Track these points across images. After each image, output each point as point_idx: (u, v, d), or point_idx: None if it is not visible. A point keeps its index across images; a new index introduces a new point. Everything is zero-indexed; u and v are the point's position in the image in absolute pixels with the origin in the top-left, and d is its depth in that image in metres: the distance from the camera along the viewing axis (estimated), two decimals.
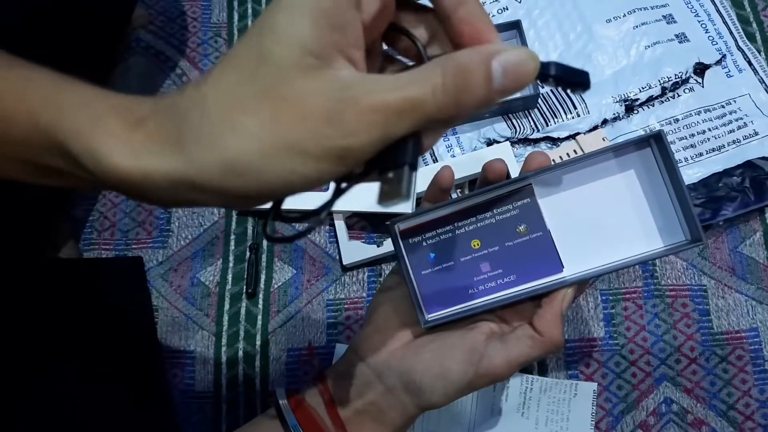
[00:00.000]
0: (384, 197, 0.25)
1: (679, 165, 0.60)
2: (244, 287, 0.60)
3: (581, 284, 0.39)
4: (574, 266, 0.38)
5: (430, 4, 0.27)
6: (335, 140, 0.22)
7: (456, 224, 0.39)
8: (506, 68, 0.23)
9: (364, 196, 0.61)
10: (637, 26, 0.65)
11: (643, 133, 0.62)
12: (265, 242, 0.62)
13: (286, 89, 0.22)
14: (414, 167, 0.25)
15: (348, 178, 0.26)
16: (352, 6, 0.23)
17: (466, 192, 0.61)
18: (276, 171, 0.22)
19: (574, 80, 0.27)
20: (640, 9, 0.66)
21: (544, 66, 0.25)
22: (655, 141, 0.37)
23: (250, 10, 0.71)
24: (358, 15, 0.24)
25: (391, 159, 0.24)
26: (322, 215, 0.27)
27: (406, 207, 0.59)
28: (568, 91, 0.28)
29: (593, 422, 0.54)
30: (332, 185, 0.27)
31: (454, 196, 0.61)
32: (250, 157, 0.22)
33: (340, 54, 0.23)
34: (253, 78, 0.22)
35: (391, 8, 0.26)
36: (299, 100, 0.22)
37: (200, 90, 0.23)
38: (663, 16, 0.66)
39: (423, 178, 0.60)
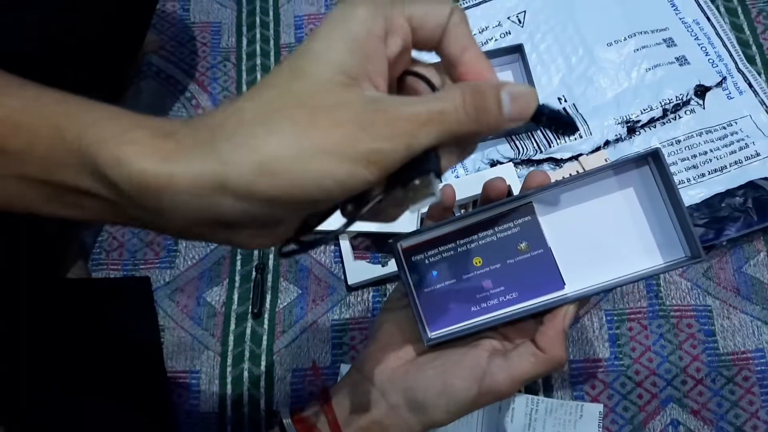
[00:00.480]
0: (413, 200, 0.26)
1: (682, 185, 0.61)
2: (250, 307, 0.61)
3: (583, 301, 0.39)
4: (575, 283, 0.39)
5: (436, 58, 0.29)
6: (367, 143, 0.23)
7: (458, 242, 0.40)
8: (513, 97, 0.26)
9: None
10: (637, 49, 0.66)
11: None
12: (270, 262, 0.62)
13: (322, 99, 0.24)
14: (438, 175, 0.26)
15: (363, 201, 0.26)
16: (382, 41, 0.26)
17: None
18: (310, 172, 0.23)
19: (564, 121, 0.29)
20: (641, 33, 0.67)
21: (540, 106, 0.28)
22: (653, 159, 0.37)
23: (258, 35, 0.72)
24: (385, 50, 0.26)
25: (415, 169, 0.25)
26: (338, 231, 0.28)
27: (411, 224, 0.59)
28: (558, 132, 0.30)
29: None
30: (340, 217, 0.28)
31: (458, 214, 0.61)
32: (286, 157, 0.23)
33: (368, 79, 0.25)
34: (290, 91, 0.24)
35: (409, 52, 0.28)
36: (335, 108, 0.24)
37: (236, 104, 0.24)
38: (663, 39, 0.67)
39: None
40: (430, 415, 0.38)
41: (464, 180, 0.62)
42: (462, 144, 0.27)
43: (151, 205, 0.24)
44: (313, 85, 0.24)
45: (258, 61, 0.71)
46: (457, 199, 0.59)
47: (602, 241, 0.39)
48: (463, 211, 0.63)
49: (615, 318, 0.59)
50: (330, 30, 0.25)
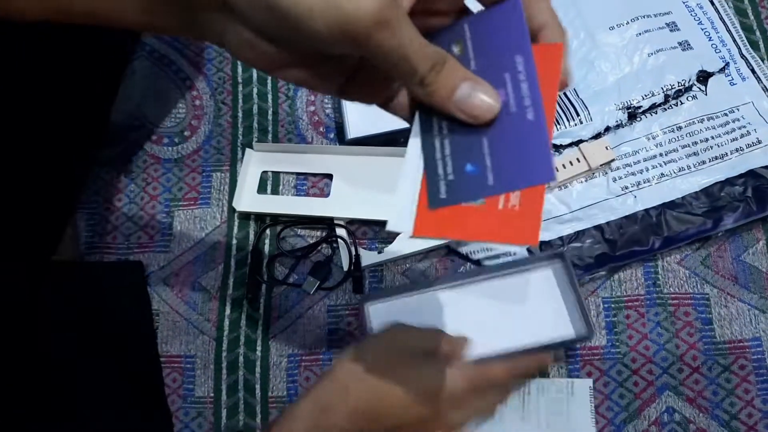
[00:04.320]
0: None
1: (683, 173, 0.60)
2: (245, 292, 0.60)
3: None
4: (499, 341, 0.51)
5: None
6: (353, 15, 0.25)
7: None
8: (470, 97, 0.28)
9: (364, 204, 0.62)
10: (640, 33, 0.65)
11: (645, 139, 0.62)
12: (266, 248, 0.62)
13: None
14: None
15: None
16: None
17: None
18: None
19: None
20: (644, 17, 0.66)
21: None
22: (560, 259, 0.55)
23: None
24: None
25: None
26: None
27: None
28: None
29: (593, 419, 0.54)
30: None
31: None
32: None
33: None
34: None
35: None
36: None
37: None
38: (666, 23, 0.66)
39: None
40: None
41: None
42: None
43: None
44: None
45: None
46: None
47: (518, 311, 0.54)
48: None
49: (612, 305, 0.58)
50: None
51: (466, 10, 0.31)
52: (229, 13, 0.27)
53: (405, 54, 0.26)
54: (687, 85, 0.63)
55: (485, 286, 0.55)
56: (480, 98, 0.28)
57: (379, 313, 0.55)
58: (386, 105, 0.32)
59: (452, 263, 0.60)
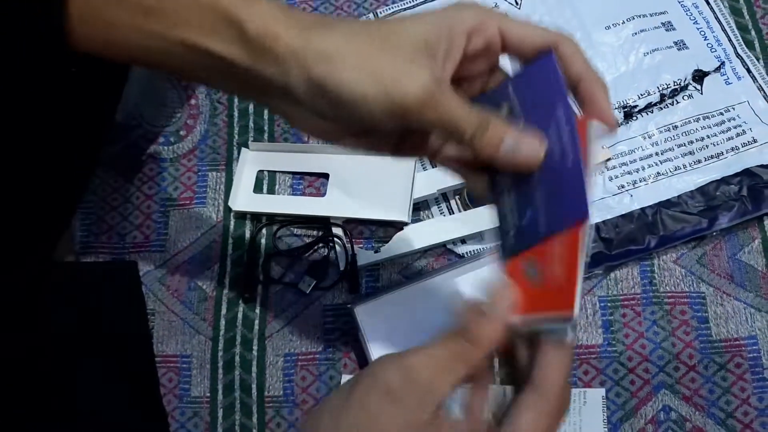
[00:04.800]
0: None
1: (678, 172, 0.61)
2: (242, 292, 0.60)
3: None
4: None
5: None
6: (404, 89, 0.29)
7: None
8: (510, 148, 0.31)
9: (360, 203, 0.62)
10: (636, 33, 0.65)
11: (641, 138, 0.62)
12: (262, 247, 0.62)
13: (401, 46, 0.30)
14: None
15: None
16: (464, 35, 0.32)
17: (465, 197, 0.61)
18: (354, 76, 0.29)
19: None
20: (639, 16, 0.66)
21: None
22: None
23: None
24: (464, 43, 0.32)
25: None
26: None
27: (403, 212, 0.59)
28: None
29: (606, 428, 0.54)
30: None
31: (452, 202, 0.61)
32: (348, 62, 0.29)
33: (441, 59, 0.31)
34: (378, 31, 0.31)
35: (491, 61, 0.34)
36: (406, 55, 0.30)
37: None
38: (662, 23, 0.66)
39: (424, 181, 0.60)
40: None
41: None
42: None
43: (270, 59, 0.30)
44: (397, 35, 0.30)
45: None
46: (438, 188, 0.59)
47: None
48: (458, 197, 0.62)
49: (608, 304, 0.58)
50: (423, 13, 0.31)
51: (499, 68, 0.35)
52: (289, 98, 0.31)
53: (452, 121, 0.30)
54: (683, 84, 0.63)
55: (473, 275, 0.55)
56: (524, 148, 0.31)
57: (369, 312, 0.56)
58: (436, 157, 0.37)
59: (449, 262, 0.60)
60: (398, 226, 0.60)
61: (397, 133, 0.35)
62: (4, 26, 0.30)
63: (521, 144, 0.31)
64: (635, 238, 0.59)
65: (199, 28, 0.30)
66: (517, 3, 0.68)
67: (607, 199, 0.60)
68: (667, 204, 0.59)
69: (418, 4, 0.69)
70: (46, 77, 0.33)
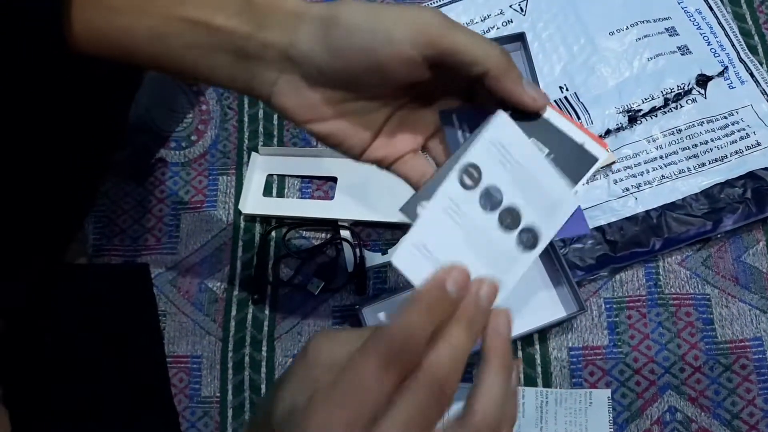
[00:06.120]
0: None
1: (683, 175, 0.61)
2: (251, 293, 0.61)
3: None
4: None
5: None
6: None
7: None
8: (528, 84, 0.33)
9: (368, 206, 0.62)
10: (639, 38, 0.66)
11: (646, 142, 0.62)
12: (272, 250, 0.62)
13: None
14: None
15: None
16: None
17: None
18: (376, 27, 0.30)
19: None
20: (643, 22, 0.67)
21: None
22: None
23: None
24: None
25: None
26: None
27: None
28: None
29: (612, 429, 0.54)
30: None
31: None
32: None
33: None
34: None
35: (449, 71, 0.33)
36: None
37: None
38: (665, 28, 0.67)
39: None
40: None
41: None
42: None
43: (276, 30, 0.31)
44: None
45: None
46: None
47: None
48: None
49: (614, 306, 0.59)
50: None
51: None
52: (285, 64, 0.31)
53: (477, 42, 0.30)
54: (686, 88, 0.64)
55: None
56: (537, 89, 0.32)
57: (376, 314, 0.57)
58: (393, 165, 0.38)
59: None
60: (405, 228, 0.61)
61: (382, 114, 0.35)
62: (5, 24, 0.31)
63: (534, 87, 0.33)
64: (640, 240, 0.59)
65: (202, 3, 0.31)
66: (522, 10, 0.69)
67: (612, 201, 0.61)
68: (671, 207, 0.60)
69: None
70: (50, 70, 0.34)
